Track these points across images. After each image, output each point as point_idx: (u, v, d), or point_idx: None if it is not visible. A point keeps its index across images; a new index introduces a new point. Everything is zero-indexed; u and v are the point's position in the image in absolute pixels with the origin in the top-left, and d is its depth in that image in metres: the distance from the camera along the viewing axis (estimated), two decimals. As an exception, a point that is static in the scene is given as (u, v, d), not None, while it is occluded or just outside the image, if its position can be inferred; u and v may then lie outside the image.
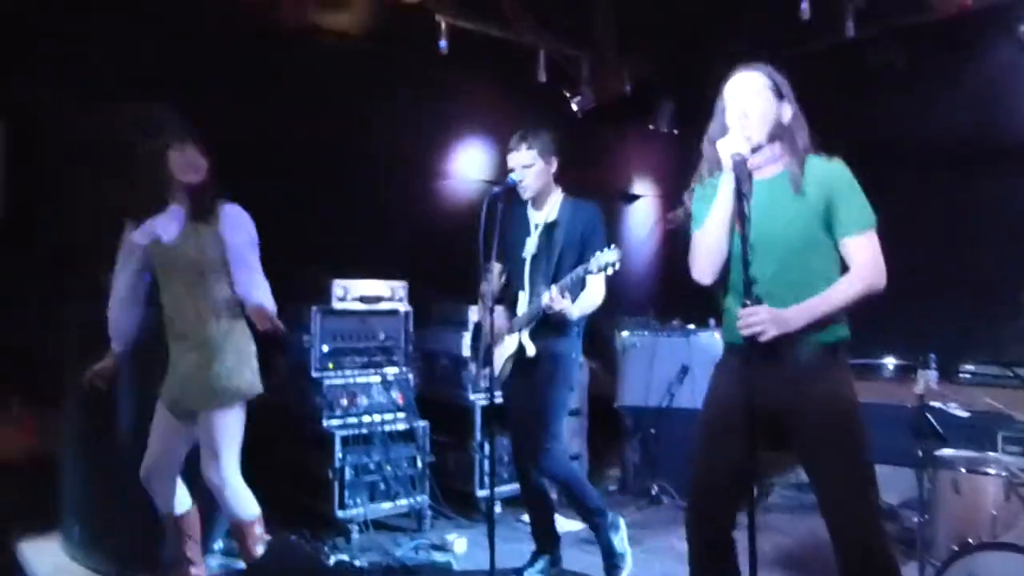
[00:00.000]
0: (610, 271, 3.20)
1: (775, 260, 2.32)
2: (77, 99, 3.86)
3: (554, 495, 3.84)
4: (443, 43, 5.06)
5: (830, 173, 2.36)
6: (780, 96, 2.38)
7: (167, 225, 3.06)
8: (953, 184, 5.14)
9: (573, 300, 3.37)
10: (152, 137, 3.01)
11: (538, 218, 3.63)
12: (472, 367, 3.80)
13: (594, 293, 3.46)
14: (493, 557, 3.08)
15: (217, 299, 3.06)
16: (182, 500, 3.23)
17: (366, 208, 4.93)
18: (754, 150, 2.33)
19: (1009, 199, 5.02)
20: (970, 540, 2.60)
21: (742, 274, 2.22)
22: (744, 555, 2.25)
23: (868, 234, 2.33)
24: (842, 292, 2.31)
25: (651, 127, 6.30)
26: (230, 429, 3.06)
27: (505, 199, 3.33)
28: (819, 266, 2.35)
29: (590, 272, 3.24)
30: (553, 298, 3.29)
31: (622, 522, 3.72)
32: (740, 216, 2.25)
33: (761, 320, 2.23)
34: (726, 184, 2.32)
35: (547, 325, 3.47)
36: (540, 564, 3.73)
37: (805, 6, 4.36)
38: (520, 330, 3.52)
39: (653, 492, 4.85)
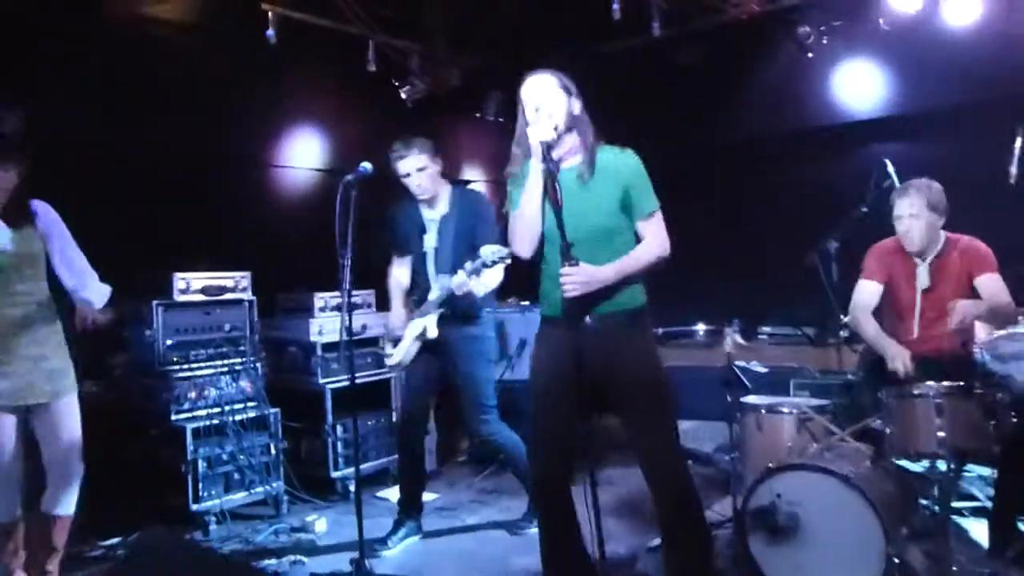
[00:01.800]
0: (503, 263, 3.57)
1: (585, 240, 2.63)
2: None
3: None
4: (271, 32, 5.07)
5: (625, 163, 2.74)
6: (569, 92, 2.73)
7: None
8: (749, 167, 5.78)
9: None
10: None
11: (433, 214, 3.93)
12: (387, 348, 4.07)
13: (496, 272, 3.74)
14: (361, 529, 3.24)
15: (39, 296, 3.12)
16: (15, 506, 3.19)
17: (204, 200, 4.86)
18: (557, 138, 2.66)
19: (799, 179, 5.73)
20: (770, 465, 3.08)
21: (559, 243, 2.55)
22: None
23: (657, 215, 2.77)
24: (643, 255, 2.72)
25: (479, 116, 6.59)
26: (74, 417, 3.16)
27: (358, 186, 3.48)
28: (621, 245, 2.73)
29: (486, 265, 3.58)
30: (460, 283, 3.65)
31: None
32: (552, 192, 2.57)
33: (581, 274, 2.55)
34: (535, 167, 2.64)
35: (458, 313, 3.82)
36: (403, 531, 3.95)
37: (616, 6, 4.78)
38: (428, 315, 3.83)
39: (500, 458, 5.15)
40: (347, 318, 3.26)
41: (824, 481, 2.91)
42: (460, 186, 4.05)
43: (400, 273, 4.10)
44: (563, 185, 2.63)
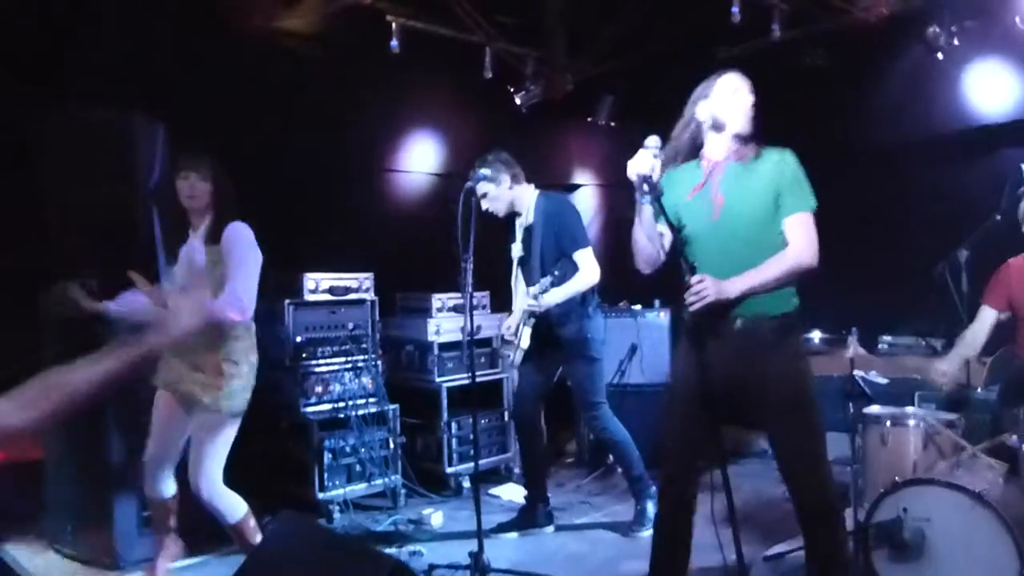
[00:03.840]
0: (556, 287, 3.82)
1: (740, 239, 2.58)
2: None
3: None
4: (395, 43, 5.27)
5: (782, 161, 2.64)
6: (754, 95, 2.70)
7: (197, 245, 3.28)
8: (875, 174, 5.59)
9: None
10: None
11: (520, 223, 4.09)
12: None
13: (575, 281, 3.89)
14: (480, 522, 3.35)
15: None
16: (173, 485, 3.39)
17: (329, 203, 5.09)
18: (744, 139, 2.64)
19: (928, 186, 5.51)
20: (897, 479, 3.00)
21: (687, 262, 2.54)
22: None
23: (801, 216, 2.59)
24: (775, 266, 2.54)
25: (590, 120, 6.63)
26: (225, 438, 3.22)
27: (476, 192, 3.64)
28: (773, 243, 2.59)
29: (544, 290, 3.78)
30: (531, 304, 3.84)
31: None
32: (666, 220, 2.57)
33: (705, 287, 2.45)
34: (639, 200, 2.59)
35: (552, 320, 3.96)
36: (530, 520, 4.20)
37: (735, 9, 4.73)
38: (526, 324, 3.98)
39: (609, 462, 5.20)
40: (469, 320, 3.37)
41: (954, 497, 2.82)
42: (546, 193, 4.12)
43: (515, 278, 4.21)
44: (724, 180, 2.63)
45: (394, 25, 5.24)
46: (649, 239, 2.66)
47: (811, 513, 2.63)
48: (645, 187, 2.54)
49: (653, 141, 2.57)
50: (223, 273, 3.18)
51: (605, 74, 6.02)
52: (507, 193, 4.02)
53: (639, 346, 5.39)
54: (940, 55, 5.12)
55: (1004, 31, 4.94)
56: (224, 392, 3.18)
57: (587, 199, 7.32)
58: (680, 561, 2.77)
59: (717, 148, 2.69)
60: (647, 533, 3.91)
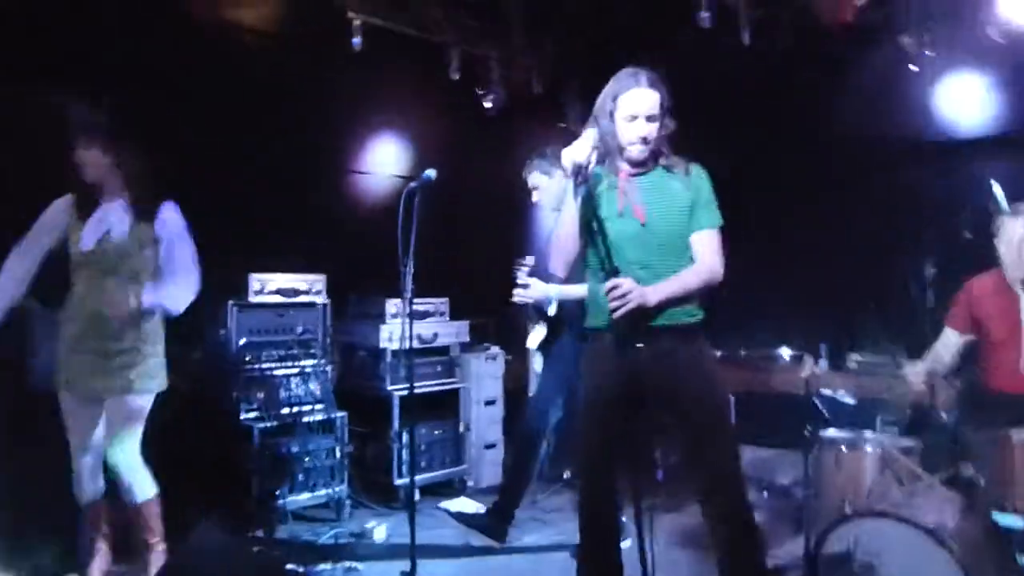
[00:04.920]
0: None
1: (657, 250, 2.59)
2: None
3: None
4: (356, 40, 5.11)
5: (698, 177, 2.66)
6: (666, 114, 2.62)
7: (101, 222, 3.17)
8: (842, 185, 5.47)
9: None
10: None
11: None
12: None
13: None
14: (413, 539, 3.20)
15: (140, 293, 3.14)
16: (149, 486, 3.25)
17: (283, 203, 4.92)
18: (653, 152, 2.62)
19: (897, 199, 5.40)
20: (847, 511, 2.86)
21: (606, 264, 2.51)
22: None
23: (710, 233, 2.63)
24: (689, 278, 2.58)
25: (561, 125, 6.50)
26: (142, 415, 3.18)
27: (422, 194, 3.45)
28: (686, 255, 2.63)
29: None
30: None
31: None
32: (595, 212, 2.53)
33: (630, 292, 2.44)
34: (570, 188, 2.53)
35: (563, 320, 3.89)
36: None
37: (705, 15, 4.61)
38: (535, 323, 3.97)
39: (565, 477, 5.04)
40: (408, 326, 3.22)
41: (907, 532, 2.68)
42: None
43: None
44: (641, 191, 2.60)
45: (355, 22, 5.10)
46: (574, 235, 2.59)
47: (724, 526, 2.58)
48: (579, 177, 2.48)
49: (594, 132, 2.55)
50: (156, 256, 3.20)
51: (572, 76, 5.90)
52: (559, 186, 3.88)
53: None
54: (912, 66, 5.00)
55: (979, 42, 4.83)
56: (143, 372, 3.15)
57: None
58: None
59: (621, 162, 2.66)
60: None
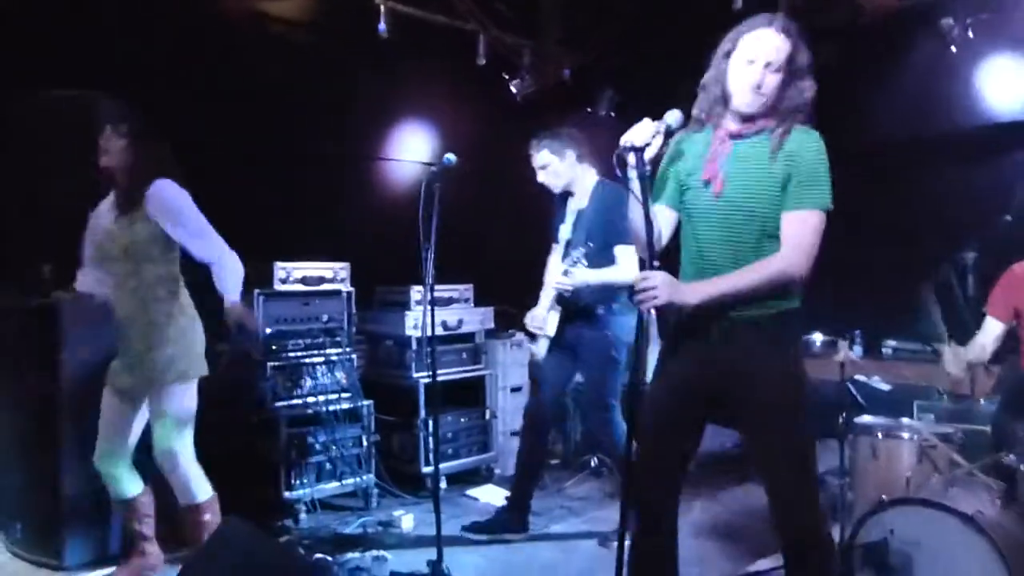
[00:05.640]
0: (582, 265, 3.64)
1: (738, 226, 2.29)
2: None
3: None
4: (382, 27, 5.09)
5: (803, 145, 2.29)
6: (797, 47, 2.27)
7: (105, 212, 3.13)
8: (884, 173, 5.35)
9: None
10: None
11: (573, 205, 3.96)
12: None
13: (611, 271, 3.70)
14: (439, 529, 3.18)
15: (152, 282, 3.08)
16: (135, 483, 3.25)
17: (308, 190, 4.92)
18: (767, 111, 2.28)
19: (938, 185, 5.26)
20: (884, 497, 2.78)
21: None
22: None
23: (805, 215, 2.23)
24: (754, 272, 2.24)
25: (590, 111, 6.42)
26: (181, 405, 3.08)
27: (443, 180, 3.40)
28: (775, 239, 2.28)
29: (574, 264, 3.61)
30: (559, 282, 3.67)
31: None
32: (644, 199, 2.24)
33: (653, 286, 2.18)
34: (631, 174, 2.27)
35: (578, 311, 3.81)
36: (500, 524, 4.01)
37: (739, 3, 4.51)
38: (552, 310, 3.85)
39: (593, 465, 5.00)
40: (430, 314, 3.20)
41: (945, 520, 2.60)
42: (605, 181, 3.90)
43: (553, 263, 4.04)
44: (733, 158, 2.29)
45: (382, 8, 5.08)
46: (639, 221, 2.29)
47: (792, 535, 2.32)
48: (630, 159, 2.22)
49: (673, 116, 2.25)
50: (164, 235, 3.06)
51: (604, 65, 5.83)
52: (569, 169, 3.88)
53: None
54: (953, 48, 4.87)
55: (1018, 25, 4.68)
56: (181, 360, 3.07)
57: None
58: None
59: (728, 118, 2.34)
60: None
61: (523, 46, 5.80)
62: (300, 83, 4.92)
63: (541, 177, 3.91)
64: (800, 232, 2.23)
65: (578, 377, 4.16)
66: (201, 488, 3.15)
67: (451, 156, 3.17)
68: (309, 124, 4.93)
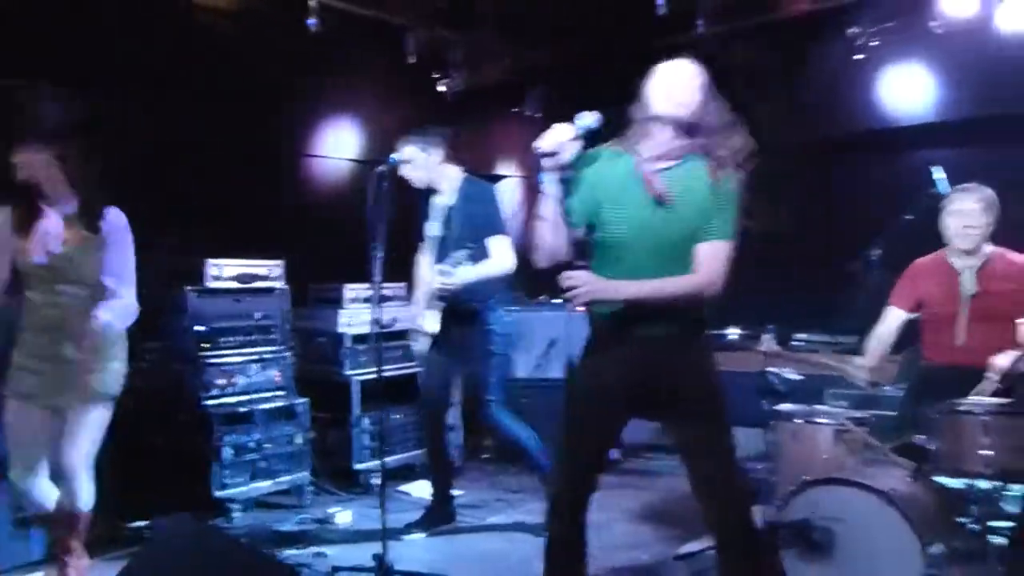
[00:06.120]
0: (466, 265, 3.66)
1: (656, 253, 2.40)
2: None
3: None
4: (312, 21, 5.07)
5: (725, 178, 2.42)
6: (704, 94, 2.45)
7: (48, 233, 3.04)
8: (792, 171, 5.63)
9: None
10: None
11: (440, 202, 3.93)
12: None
13: (487, 265, 3.74)
14: (384, 523, 3.22)
15: (69, 299, 3.03)
16: (91, 497, 3.13)
17: (239, 188, 4.85)
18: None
19: (845, 184, 5.58)
20: (806, 478, 2.98)
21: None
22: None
23: (719, 245, 2.39)
24: (678, 284, 2.38)
25: (516, 111, 6.52)
26: (103, 419, 3.06)
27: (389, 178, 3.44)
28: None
29: (457, 264, 3.62)
30: (440, 281, 3.67)
31: None
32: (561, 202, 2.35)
33: (577, 283, 2.29)
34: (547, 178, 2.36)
35: (457, 307, 3.80)
36: (430, 521, 4.07)
37: (661, 2, 4.70)
38: (430, 308, 3.85)
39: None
40: (377, 311, 3.22)
41: (862, 497, 2.81)
42: (471, 177, 3.96)
43: (424, 261, 4.06)
44: (665, 179, 2.39)
45: (312, 2, 5.05)
46: (553, 227, 2.39)
47: (723, 525, 2.49)
48: (548, 163, 2.32)
49: (589, 118, 2.33)
50: (103, 265, 3.03)
51: (533, 66, 5.93)
52: (433, 166, 3.87)
53: (558, 340, 5.31)
54: (860, 56, 5.18)
55: (923, 34, 5.03)
56: (102, 378, 3.03)
57: (510, 191, 7.20)
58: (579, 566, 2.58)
59: (653, 138, 2.45)
60: None
61: (455, 42, 5.85)
62: (229, 78, 4.85)
63: (403, 171, 3.81)
64: (720, 257, 2.40)
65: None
66: (90, 497, 3.09)
67: (396, 156, 3.22)
68: (241, 120, 4.86)
